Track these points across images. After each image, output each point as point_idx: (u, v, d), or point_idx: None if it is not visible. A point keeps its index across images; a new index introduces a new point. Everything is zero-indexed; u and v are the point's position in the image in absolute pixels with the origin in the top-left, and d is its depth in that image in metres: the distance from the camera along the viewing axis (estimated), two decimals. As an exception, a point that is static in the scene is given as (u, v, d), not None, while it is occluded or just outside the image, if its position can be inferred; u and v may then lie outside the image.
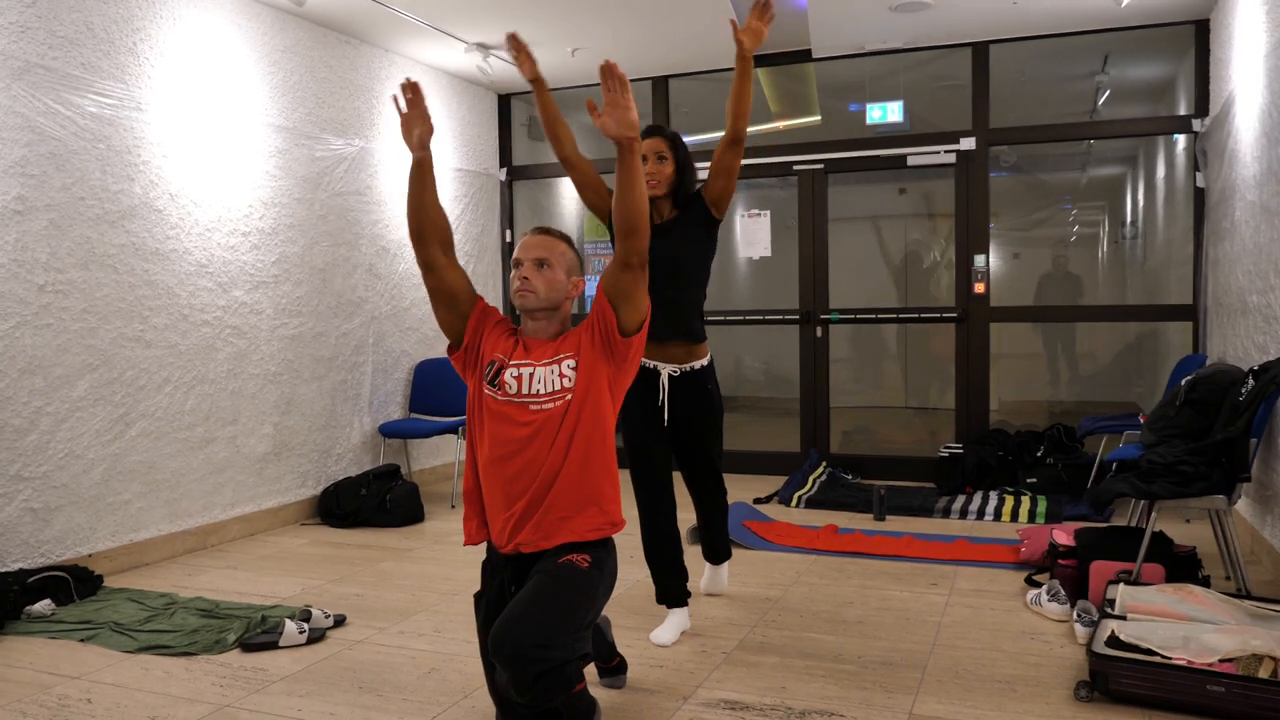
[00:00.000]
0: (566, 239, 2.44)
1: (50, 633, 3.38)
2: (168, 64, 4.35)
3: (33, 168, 3.77)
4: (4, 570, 3.63)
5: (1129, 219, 7.81)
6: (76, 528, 3.97)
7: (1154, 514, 3.38)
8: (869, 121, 6.21)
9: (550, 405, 2.30)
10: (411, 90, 2.40)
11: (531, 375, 2.32)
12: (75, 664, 3.10)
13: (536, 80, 3.13)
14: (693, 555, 3.65)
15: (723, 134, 3.23)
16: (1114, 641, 2.75)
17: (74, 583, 3.74)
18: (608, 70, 2.18)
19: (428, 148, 2.42)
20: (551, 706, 2.12)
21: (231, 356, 4.68)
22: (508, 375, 2.34)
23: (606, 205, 3.25)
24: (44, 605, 3.56)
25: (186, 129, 4.44)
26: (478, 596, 2.43)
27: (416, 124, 2.41)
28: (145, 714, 2.70)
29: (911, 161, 6.05)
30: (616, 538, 2.44)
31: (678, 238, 3.24)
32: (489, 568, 2.43)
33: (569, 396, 2.31)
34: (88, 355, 4.00)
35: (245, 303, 4.76)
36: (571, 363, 2.33)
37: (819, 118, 6.91)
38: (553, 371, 2.33)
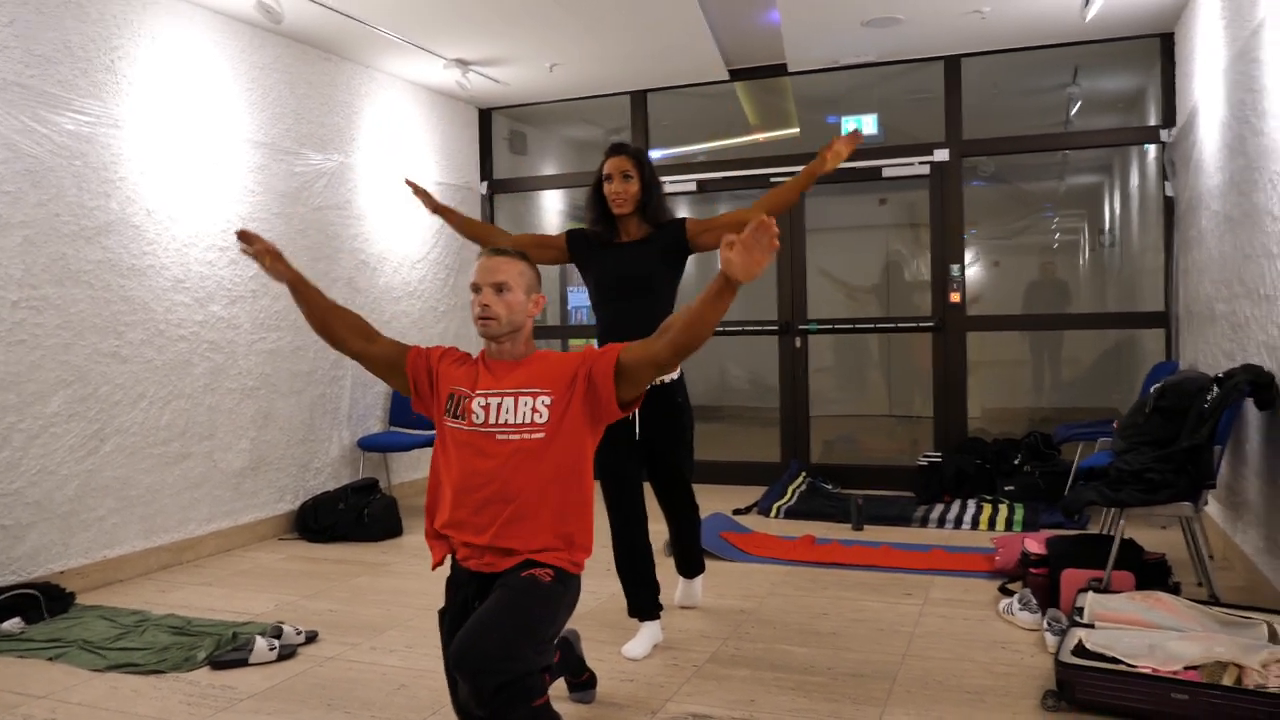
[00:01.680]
0: (523, 256, 2.43)
1: (18, 651, 3.36)
2: (146, 81, 4.36)
3: (8, 184, 3.77)
4: (-25, 588, 3.61)
5: (1107, 227, 7.89)
6: (49, 544, 3.96)
7: (1122, 521, 3.40)
8: (844, 134, 6.25)
9: (517, 437, 2.29)
10: (246, 240, 2.47)
11: (500, 405, 2.31)
12: (43, 683, 3.08)
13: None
14: (667, 568, 3.66)
15: (748, 209, 3.28)
16: (1081, 650, 2.77)
17: (45, 600, 3.72)
18: (765, 228, 2.00)
19: (286, 273, 2.47)
20: (513, 719, 2.12)
21: (208, 371, 4.68)
22: (475, 404, 2.32)
23: (557, 246, 3.40)
24: (13, 624, 3.55)
25: (164, 145, 4.45)
26: (442, 612, 2.43)
27: (266, 260, 2.47)
28: (112, 732, 2.70)
29: (886, 173, 6.11)
30: (592, 553, 2.45)
31: (650, 257, 3.26)
32: (453, 584, 2.43)
33: (540, 434, 2.29)
34: (62, 371, 3.99)
35: (223, 317, 4.76)
36: (546, 399, 2.30)
37: (797, 130, 6.96)
38: (525, 404, 2.30)
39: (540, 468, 2.29)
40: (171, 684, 3.05)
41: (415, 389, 2.45)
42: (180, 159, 4.53)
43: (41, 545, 3.93)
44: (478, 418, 2.31)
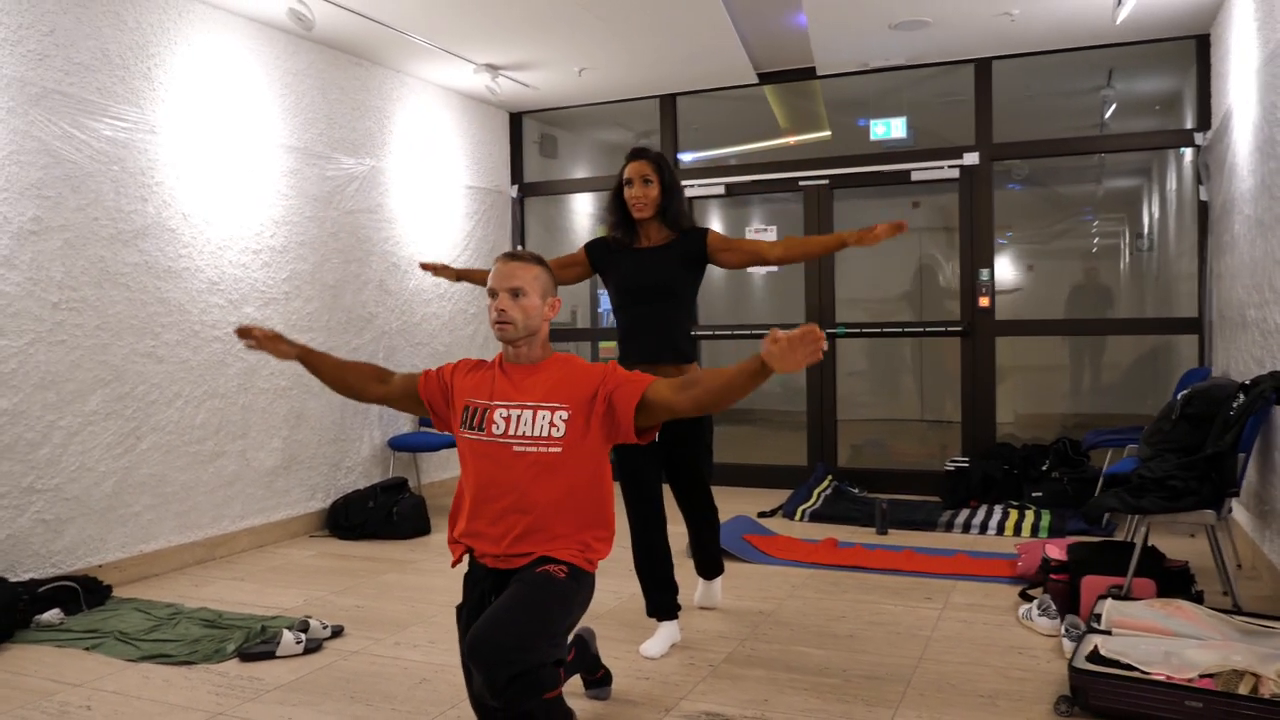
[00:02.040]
0: (539, 260, 2.48)
1: (57, 641, 3.48)
2: (181, 88, 4.48)
3: (48, 190, 3.90)
4: (15, 580, 3.73)
5: (1145, 231, 7.78)
6: (87, 539, 4.08)
7: (1144, 529, 3.38)
8: (873, 137, 6.26)
9: (534, 449, 2.34)
10: (246, 335, 2.57)
11: (519, 417, 2.36)
12: (79, 672, 3.19)
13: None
14: (686, 569, 3.69)
15: (774, 243, 3.35)
16: (1095, 656, 2.76)
17: (83, 593, 3.84)
18: (814, 337, 2.01)
19: (291, 350, 2.58)
20: (525, 711, 2.17)
21: (242, 371, 4.79)
22: (497, 415, 2.38)
23: (581, 262, 3.45)
24: (53, 615, 3.66)
25: (200, 150, 4.56)
26: (459, 608, 2.49)
27: (270, 347, 2.58)
28: (142, 720, 2.79)
29: (915, 177, 6.08)
30: (611, 552, 2.50)
31: (670, 263, 3.30)
32: (471, 580, 2.49)
33: (557, 449, 2.34)
34: (100, 370, 4.11)
35: (256, 319, 4.87)
36: (564, 414, 2.35)
37: (828, 133, 6.95)
38: (543, 417, 2.35)
39: (557, 480, 2.34)
40: (201, 675, 3.14)
41: (433, 411, 2.54)
42: (215, 163, 4.65)
43: (80, 540, 4.05)
44: (498, 428, 2.36)
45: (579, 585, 2.35)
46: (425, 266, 3.56)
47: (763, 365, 2.11)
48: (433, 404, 2.53)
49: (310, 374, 2.66)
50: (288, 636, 3.32)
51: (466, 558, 2.49)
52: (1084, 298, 7.35)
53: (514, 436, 2.35)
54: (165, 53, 4.40)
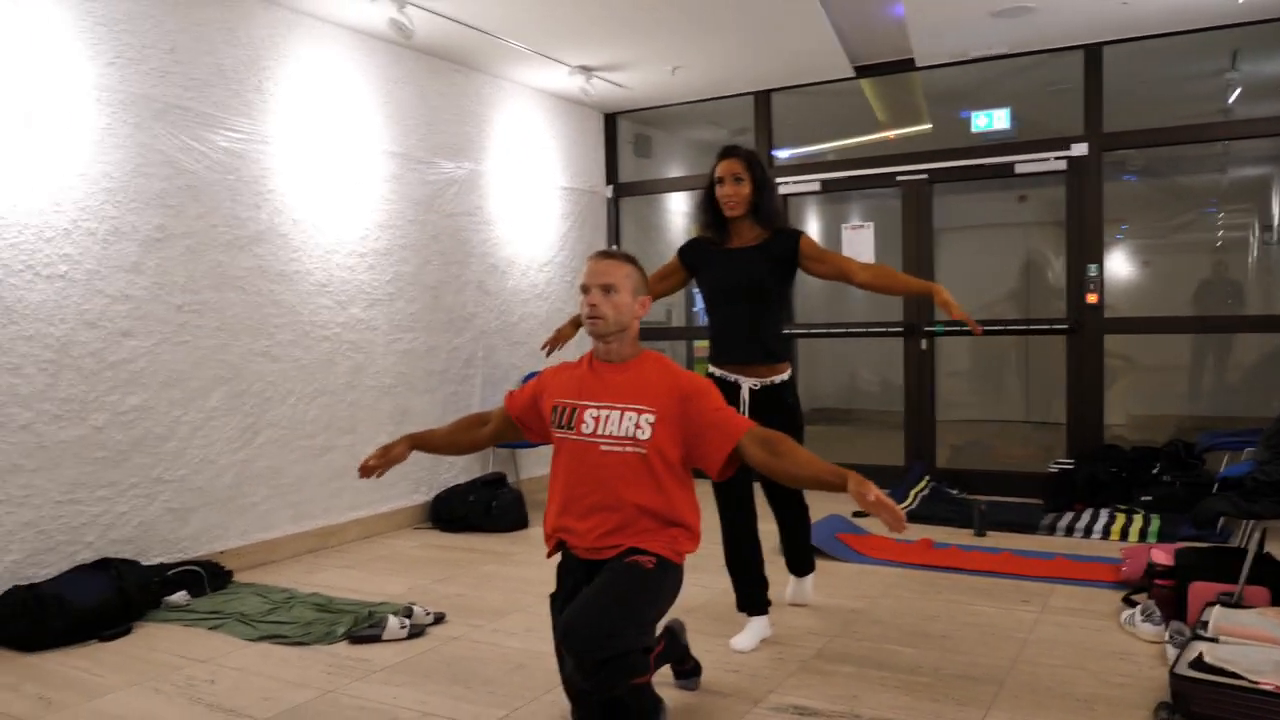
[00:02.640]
0: (630, 259, 2.56)
1: (184, 621, 3.72)
2: (290, 99, 4.71)
3: (171, 199, 4.16)
4: (147, 564, 4.00)
5: (1276, 222, 7.37)
6: (210, 527, 4.34)
7: (1259, 534, 3.23)
8: (974, 129, 6.11)
9: (619, 450, 2.43)
10: (369, 473, 2.76)
11: (607, 417, 2.45)
12: (204, 649, 3.41)
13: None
14: (779, 565, 3.70)
15: (865, 266, 3.33)
16: (1200, 664, 2.66)
17: (207, 577, 4.09)
18: (897, 521, 2.15)
19: (406, 450, 2.78)
20: (615, 694, 2.24)
21: (349, 370, 5.01)
22: (587, 415, 2.47)
23: (676, 268, 3.47)
24: (180, 596, 3.92)
25: (308, 158, 4.80)
26: (553, 596, 2.58)
27: (389, 463, 2.76)
28: (260, 695, 2.96)
29: (1019, 169, 5.92)
30: (703, 548, 2.59)
31: (761, 263, 3.30)
32: (564, 569, 2.57)
33: (643, 451, 2.42)
34: (220, 369, 4.37)
35: (362, 319, 5.09)
36: (650, 418, 2.43)
37: (929, 125, 6.82)
38: (629, 419, 2.44)
39: (643, 479, 2.42)
40: (314, 654, 3.32)
41: (526, 429, 2.69)
42: (322, 171, 4.87)
43: (204, 527, 4.32)
44: (587, 427, 2.46)
45: (666, 575, 2.41)
46: (548, 347, 3.49)
47: (842, 486, 2.21)
48: (524, 422, 2.67)
49: (430, 453, 2.89)
50: (393, 621, 3.47)
51: (560, 550, 2.58)
52: (1212, 293, 7.01)
53: (602, 436, 2.44)
54: (275, 66, 4.64)
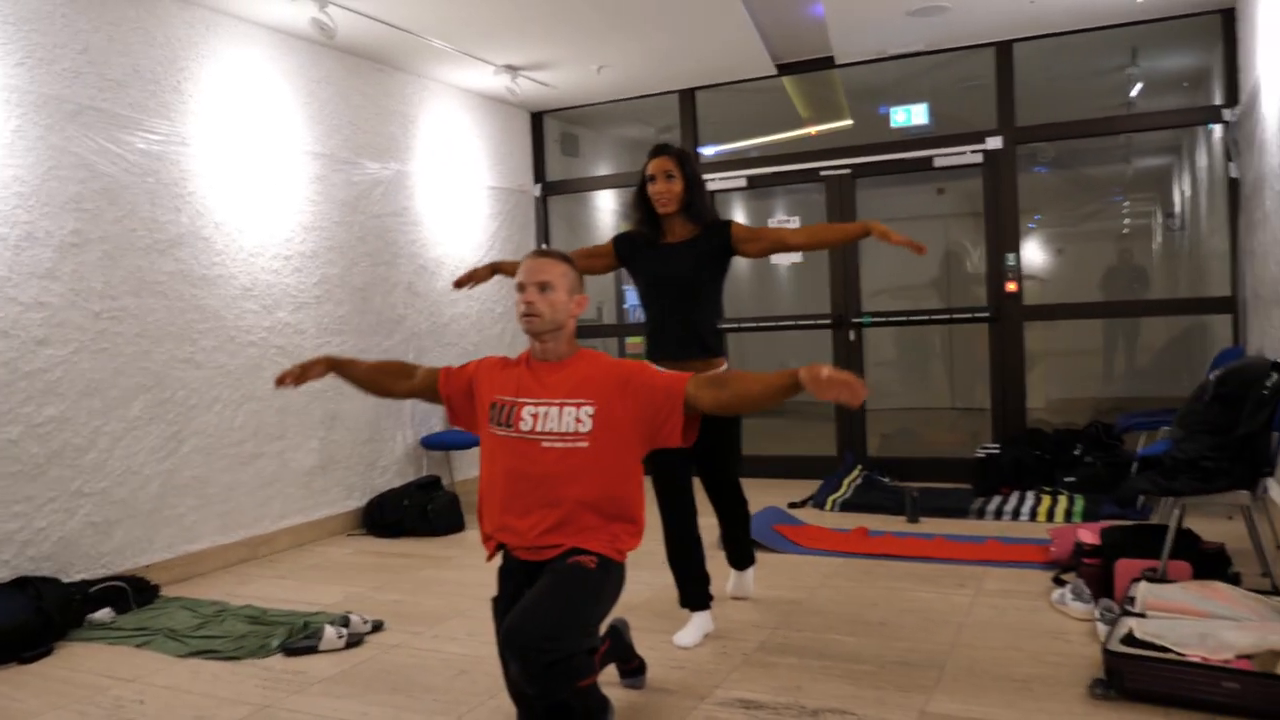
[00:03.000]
0: (566, 259, 2.55)
1: (109, 639, 3.58)
2: (210, 100, 4.57)
3: (87, 203, 4.00)
4: (68, 580, 3.84)
5: (1177, 210, 7.70)
6: (134, 540, 4.19)
7: (1179, 511, 3.36)
8: (893, 124, 6.24)
9: (561, 445, 2.40)
10: (290, 379, 2.72)
11: (545, 414, 2.43)
12: (131, 668, 3.29)
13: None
14: (718, 560, 3.73)
15: (797, 230, 3.42)
16: (1130, 639, 2.76)
17: (132, 592, 3.95)
18: (856, 394, 2.12)
19: (323, 368, 2.74)
20: (560, 698, 2.23)
21: (277, 375, 4.87)
22: (525, 412, 2.45)
23: (607, 253, 3.47)
24: (104, 613, 3.78)
25: (229, 160, 4.66)
26: (495, 600, 2.55)
27: (306, 377, 2.73)
28: (192, 714, 2.87)
29: (938, 163, 6.07)
30: (644, 545, 2.57)
31: (695, 258, 3.32)
32: (505, 573, 2.55)
33: (584, 443, 2.40)
34: (142, 377, 4.22)
35: (289, 323, 4.96)
36: (590, 409, 2.42)
37: (850, 122, 6.94)
38: (569, 414, 2.42)
39: (585, 474, 2.40)
40: (248, 669, 3.23)
41: (450, 407, 2.64)
42: (245, 173, 4.74)
43: (128, 541, 4.16)
44: (525, 424, 2.43)
45: (609, 575, 2.40)
46: (459, 284, 3.37)
47: (796, 384, 2.19)
48: (451, 399, 2.62)
49: (345, 381, 2.77)
50: (329, 631, 3.40)
51: (500, 552, 2.55)
52: (1118, 279, 7.29)
53: (542, 433, 2.42)
54: (194, 66, 4.49)
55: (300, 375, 2.70)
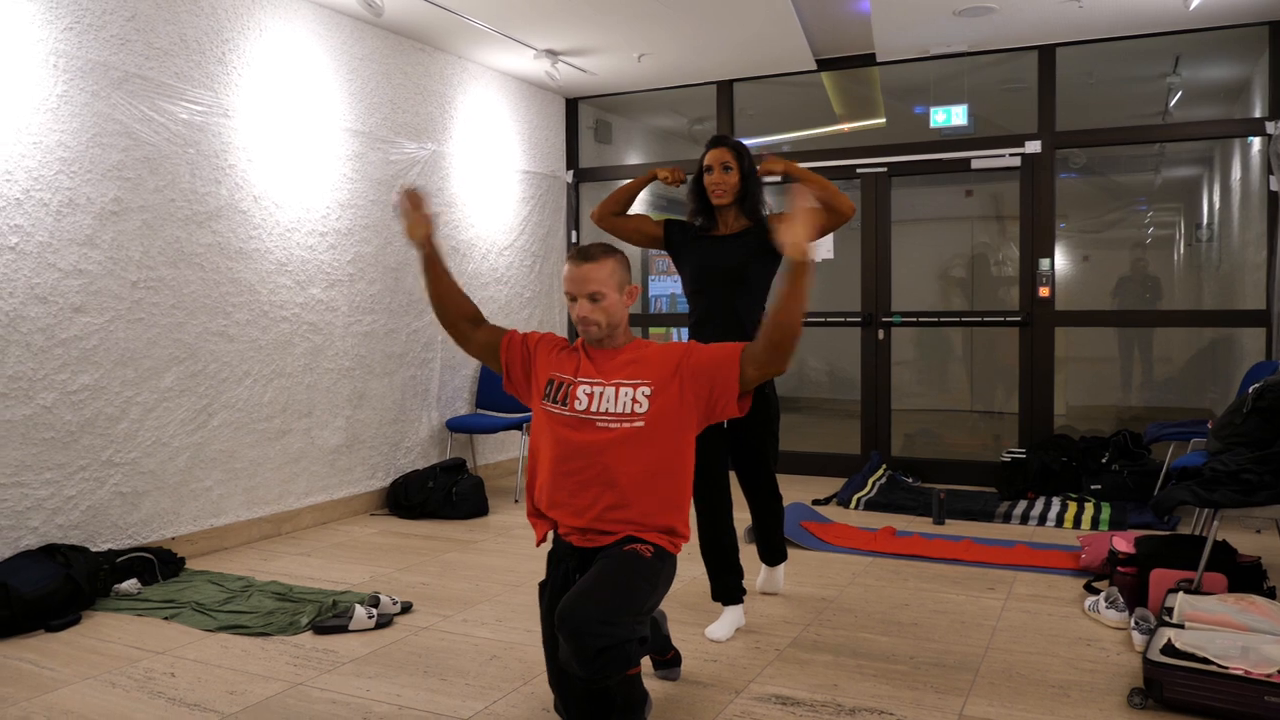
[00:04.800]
0: (609, 252, 2.46)
1: (136, 610, 3.59)
2: (253, 72, 4.56)
3: (129, 171, 3.99)
4: (95, 550, 3.85)
5: (1204, 221, 7.63)
6: (162, 512, 4.20)
7: (1216, 523, 3.34)
8: (933, 125, 6.20)
9: (617, 425, 2.36)
10: (411, 199, 2.53)
11: (601, 394, 2.39)
12: (160, 640, 3.29)
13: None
14: (749, 554, 3.71)
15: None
16: (1170, 649, 2.74)
17: (159, 564, 3.95)
18: (807, 216, 2.19)
19: (427, 245, 2.54)
20: (607, 684, 2.21)
21: (308, 351, 4.88)
22: (580, 391, 2.41)
23: (652, 234, 3.45)
24: (131, 584, 3.78)
25: (270, 134, 4.64)
26: (543, 585, 2.54)
27: (421, 225, 2.53)
28: (224, 689, 2.87)
29: (975, 165, 6.02)
30: None
31: (746, 249, 3.31)
32: (555, 557, 2.53)
33: (640, 424, 2.37)
34: (175, 349, 4.22)
35: (322, 300, 4.96)
36: (646, 390, 2.38)
37: (884, 120, 6.90)
38: (625, 394, 2.38)
39: (640, 456, 2.36)
40: (278, 646, 3.23)
41: (508, 373, 2.57)
42: (284, 147, 4.73)
43: (155, 512, 4.17)
44: (580, 404, 2.39)
45: (663, 565, 2.38)
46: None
47: (793, 265, 2.22)
48: (510, 366, 2.55)
49: (426, 272, 2.56)
50: (359, 611, 3.39)
51: (551, 535, 2.53)
52: (1130, 289, 7.23)
53: (597, 413, 2.38)
54: (239, 38, 4.48)
55: (417, 201, 2.52)
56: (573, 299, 2.43)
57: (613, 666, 2.16)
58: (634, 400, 2.38)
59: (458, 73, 5.94)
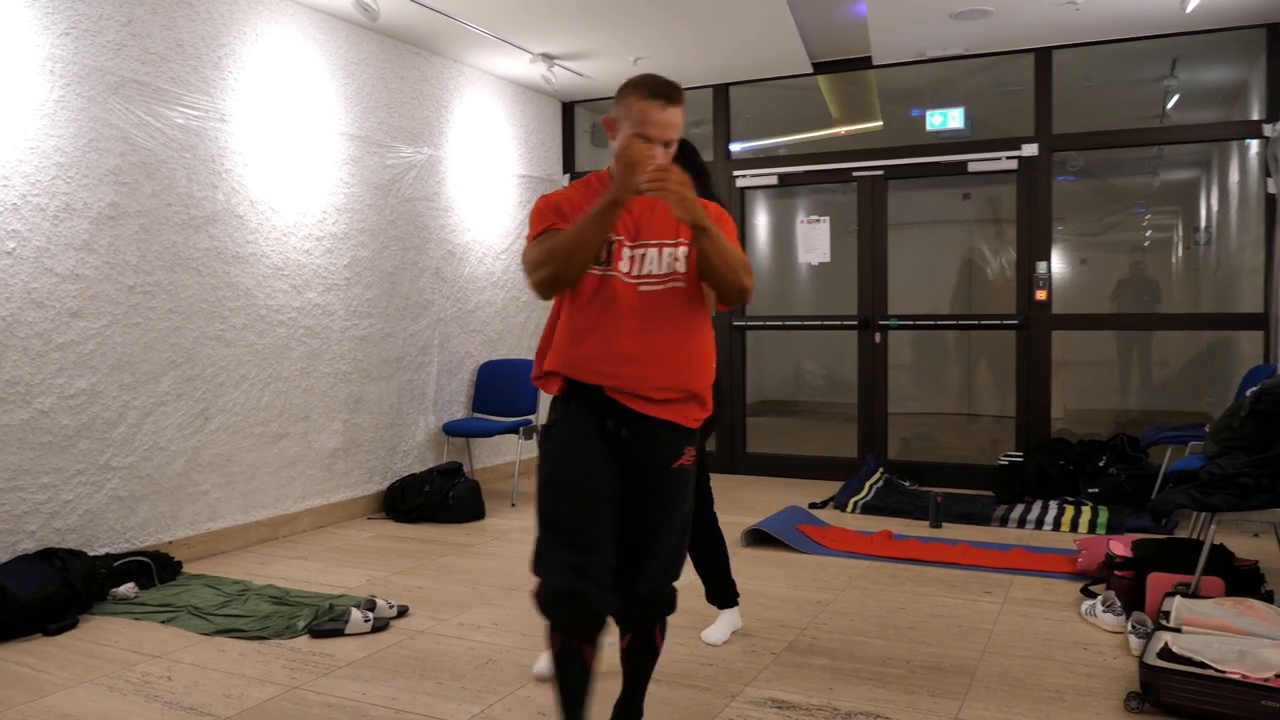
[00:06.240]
0: (682, 96, 2.22)
1: (133, 614, 3.58)
2: (249, 77, 4.56)
3: (125, 176, 4.00)
4: (92, 554, 3.84)
5: (1202, 224, 7.64)
6: (159, 516, 4.19)
7: (1213, 526, 3.34)
8: (929, 128, 6.20)
9: (661, 287, 2.22)
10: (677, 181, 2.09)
11: (644, 256, 2.23)
12: (157, 644, 3.29)
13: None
14: (744, 555, 3.71)
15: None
16: (1167, 653, 2.74)
17: (155, 568, 3.95)
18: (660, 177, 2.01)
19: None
20: (653, 626, 2.35)
21: (305, 356, 4.88)
22: (624, 252, 2.21)
23: None
24: (128, 588, 3.77)
25: (266, 139, 4.65)
26: (548, 428, 2.27)
27: (675, 191, 2.08)
28: (221, 692, 2.87)
29: (972, 168, 6.03)
30: None
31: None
32: (572, 399, 2.24)
33: (681, 284, 2.24)
34: (172, 353, 4.22)
35: (318, 304, 4.96)
36: (685, 250, 2.24)
37: (880, 123, 6.90)
38: (668, 254, 2.23)
39: (679, 316, 2.24)
40: (274, 649, 3.23)
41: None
42: (280, 152, 4.73)
43: (152, 516, 4.16)
44: (624, 266, 2.22)
45: (698, 470, 2.49)
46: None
47: (611, 200, 2.07)
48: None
49: (595, 221, 2.13)
50: (356, 615, 3.39)
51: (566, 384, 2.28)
52: (1129, 292, 7.23)
53: (641, 276, 2.22)
54: (235, 43, 4.48)
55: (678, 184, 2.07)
56: (645, 139, 2.13)
57: (665, 607, 2.32)
58: (675, 259, 2.24)
59: (454, 77, 5.95)
